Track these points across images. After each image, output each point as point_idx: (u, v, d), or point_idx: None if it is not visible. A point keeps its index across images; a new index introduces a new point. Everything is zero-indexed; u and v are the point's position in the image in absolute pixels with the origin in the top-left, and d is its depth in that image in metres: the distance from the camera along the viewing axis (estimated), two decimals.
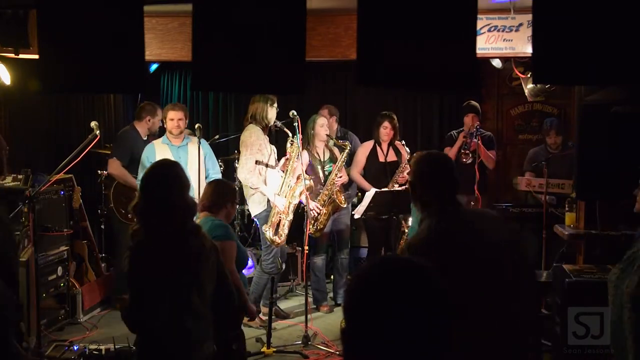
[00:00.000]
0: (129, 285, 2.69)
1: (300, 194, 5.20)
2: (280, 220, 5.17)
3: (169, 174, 2.73)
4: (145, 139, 5.76)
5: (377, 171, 5.75)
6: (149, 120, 5.77)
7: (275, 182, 5.24)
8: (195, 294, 2.66)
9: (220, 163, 5.97)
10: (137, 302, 2.65)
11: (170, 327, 2.60)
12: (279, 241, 5.17)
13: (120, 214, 5.57)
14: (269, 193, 5.14)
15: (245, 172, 5.09)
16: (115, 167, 5.54)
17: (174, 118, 5.20)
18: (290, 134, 5.20)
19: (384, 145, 5.82)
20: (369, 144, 5.87)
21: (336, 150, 5.74)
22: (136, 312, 2.66)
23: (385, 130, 5.75)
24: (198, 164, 5.02)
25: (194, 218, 2.82)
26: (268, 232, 5.12)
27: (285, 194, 5.20)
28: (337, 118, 6.20)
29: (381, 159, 5.77)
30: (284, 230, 5.18)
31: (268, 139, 5.32)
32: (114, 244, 5.91)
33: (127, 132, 5.77)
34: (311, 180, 5.30)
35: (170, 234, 2.64)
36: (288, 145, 5.29)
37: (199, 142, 5.03)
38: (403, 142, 5.78)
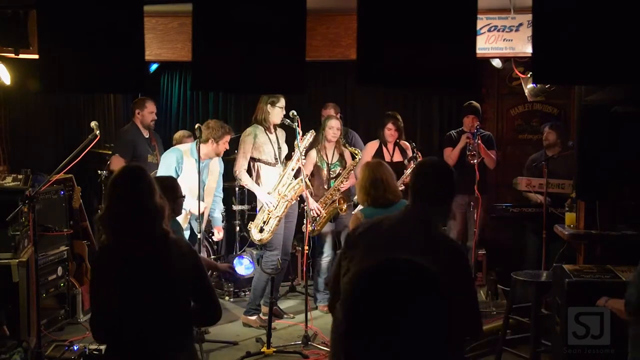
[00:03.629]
0: (93, 294, 2.56)
1: (297, 193, 5.22)
2: (268, 218, 5.18)
3: (139, 178, 2.61)
4: (147, 136, 5.78)
5: None
6: (139, 114, 5.76)
7: (272, 179, 5.25)
8: (168, 300, 2.51)
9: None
10: (104, 311, 2.48)
11: (142, 334, 2.47)
12: (261, 238, 5.17)
13: None
14: (257, 190, 5.21)
15: (236, 169, 5.21)
16: (117, 163, 5.51)
17: None
18: (300, 133, 5.20)
19: (390, 145, 5.83)
20: (375, 144, 5.88)
21: (347, 155, 5.72)
22: (104, 321, 2.49)
23: (390, 132, 5.78)
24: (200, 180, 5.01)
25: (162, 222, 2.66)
26: (252, 230, 5.16)
27: (279, 191, 5.20)
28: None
29: (387, 158, 5.77)
30: (269, 227, 5.17)
31: (277, 136, 5.33)
32: None
33: (128, 129, 5.83)
34: (308, 182, 5.29)
35: (140, 239, 2.51)
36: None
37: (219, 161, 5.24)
38: (414, 144, 5.76)
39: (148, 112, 5.77)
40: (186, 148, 5.00)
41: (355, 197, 6.02)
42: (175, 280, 2.53)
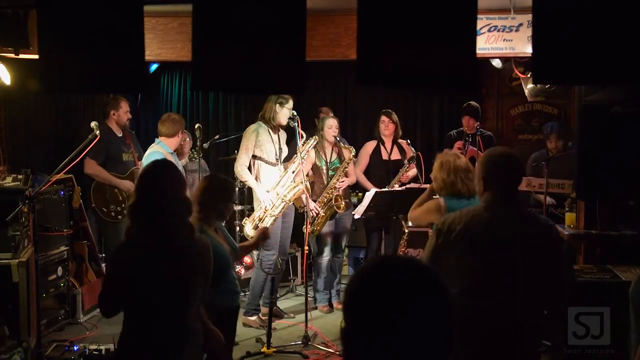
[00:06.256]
0: (110, 276, 2.69)
1: (296, 195, 5.22)
2: (264, 217, 5.18)
3: (167, 171, 2.70)
4: (120, 135, 5.74)
5: (381, 169, 5.76)
6: (114, 114, 5.71)
7: (271, 179, 5.25)
8: (185, 291, 2.61)
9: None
10: (116, 294, 2.60)
11: (160, 321, 2.56)
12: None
13: (103, 212, 5.54)
14: (256, 187, 5.20)
15: (238, 165, 5.21)
16: (89, 166, 5.47)
17: None
18: (303, 136, 5.18)
19: (388, 144, 5.82)
20: (372, 143, 5.87)
21: (346, 153, 5.71)
22: (112, 302, 2.63)
23: (384, 124, 5.77)
24: None
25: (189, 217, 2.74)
26: (247, 225, 5.16)
27: (278, 191, 5.20)
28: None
29: (385, 157, 5.77)
30: (264, 226, 5.17)
31: (279, 137, 5.34)
32: (105, 243, 5.93)
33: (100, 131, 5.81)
34: (307, 183, 5.29)
35: (163, 231, 2.59)
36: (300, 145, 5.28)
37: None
38: (408, 140, 5.77)
39: (123, 112, 5.73)
40: (159, 149, 5.00)
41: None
42: (193, 274, 2.63)
